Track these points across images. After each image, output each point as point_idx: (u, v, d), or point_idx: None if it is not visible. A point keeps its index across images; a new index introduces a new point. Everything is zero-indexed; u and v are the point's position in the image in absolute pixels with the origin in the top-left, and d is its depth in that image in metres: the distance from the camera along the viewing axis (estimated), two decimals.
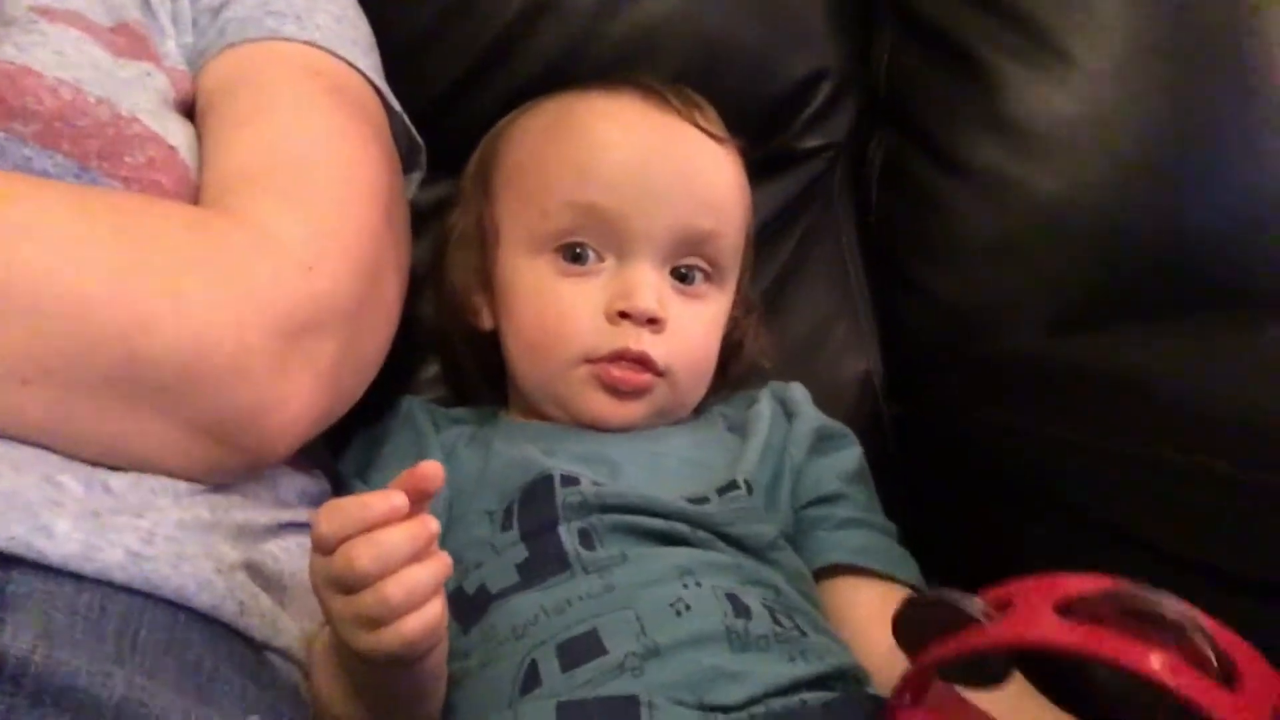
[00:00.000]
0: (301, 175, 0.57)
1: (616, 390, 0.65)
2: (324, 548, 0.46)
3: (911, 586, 0.66)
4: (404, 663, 0.48)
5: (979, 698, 0.51)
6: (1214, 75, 0.83)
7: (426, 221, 0.77)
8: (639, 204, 0.65)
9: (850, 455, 0.71)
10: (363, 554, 0.45)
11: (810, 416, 0.72)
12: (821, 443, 0.71)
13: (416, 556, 0.46)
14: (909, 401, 0.85)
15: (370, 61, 0.68)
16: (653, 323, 0.65)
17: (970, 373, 0.83)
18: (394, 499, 0.45)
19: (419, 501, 0.47)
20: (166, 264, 0.50)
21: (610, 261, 0.66)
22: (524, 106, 0.75)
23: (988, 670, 0.49)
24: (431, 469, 0.47)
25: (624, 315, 0.65)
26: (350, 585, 0.46)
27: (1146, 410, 0.67)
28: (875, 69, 0.89)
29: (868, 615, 0.63)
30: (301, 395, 0.53)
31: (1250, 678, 0.42)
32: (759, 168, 0.85)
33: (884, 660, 0.59)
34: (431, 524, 0.46)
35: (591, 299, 0.65)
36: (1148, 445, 0.64)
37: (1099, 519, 0.66)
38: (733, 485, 0.64)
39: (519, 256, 0.68)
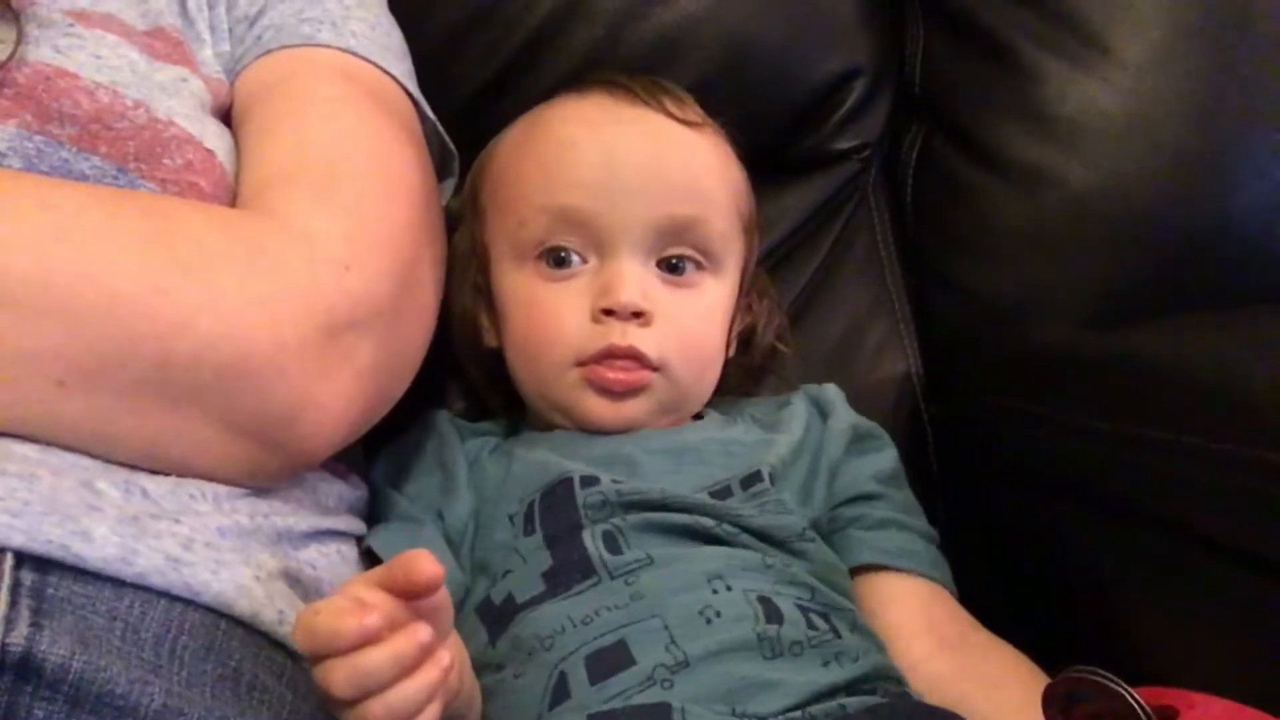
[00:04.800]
0: (337, 175, 0.57)
1: (610, 391, 0.64)
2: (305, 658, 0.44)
3: (943, 585, 0.65)
4: None
5: None
6: (1254, 64, 0.80)
7: (453, 231, 0.77)
8: (611, 200, 0.64)
9: (887, 456, 0.70)
10: (341, 680, 0.42)
11: (845, 415, 0.71)
12: (858, 442, 0.70)
13: (405, 672, 0.43)
14: (948, 400, 0.84)
15: (404, 68, 0.68)
16: (638, 316, 0.64)
17: (1009, 368, 0.81)
18: (367, 620, 0.41)
19: (415, 597, 0.43)
20: (202, 264, 0.49)
21: (593, 261, 0.66)
22: (507, 125, 0.75)
23: None
24: (427, 564, 0.43)
25: (608, 312, 0.64)
26: (334, 704, 0.43)
27: (1191, 401, 0.65)
28: (908, 65, 0.88)
29: (900, 617, 0.63)
30: (340, 394, 0.52)
31: None
32: (793, 169, 0.86)
33: (915, 661, 0.60)
34: (420, 634, 0.43)
35: (576, 301, 0.65)
36: (1194, 436, 0.62)
37: (1145, 512, 0.64)
38: (756, 477, 0.63)
39: (507, 269, 0.68)
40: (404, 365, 0.60)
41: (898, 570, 0.64)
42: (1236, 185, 0.81)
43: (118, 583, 0.44)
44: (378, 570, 0.45)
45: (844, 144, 0.86)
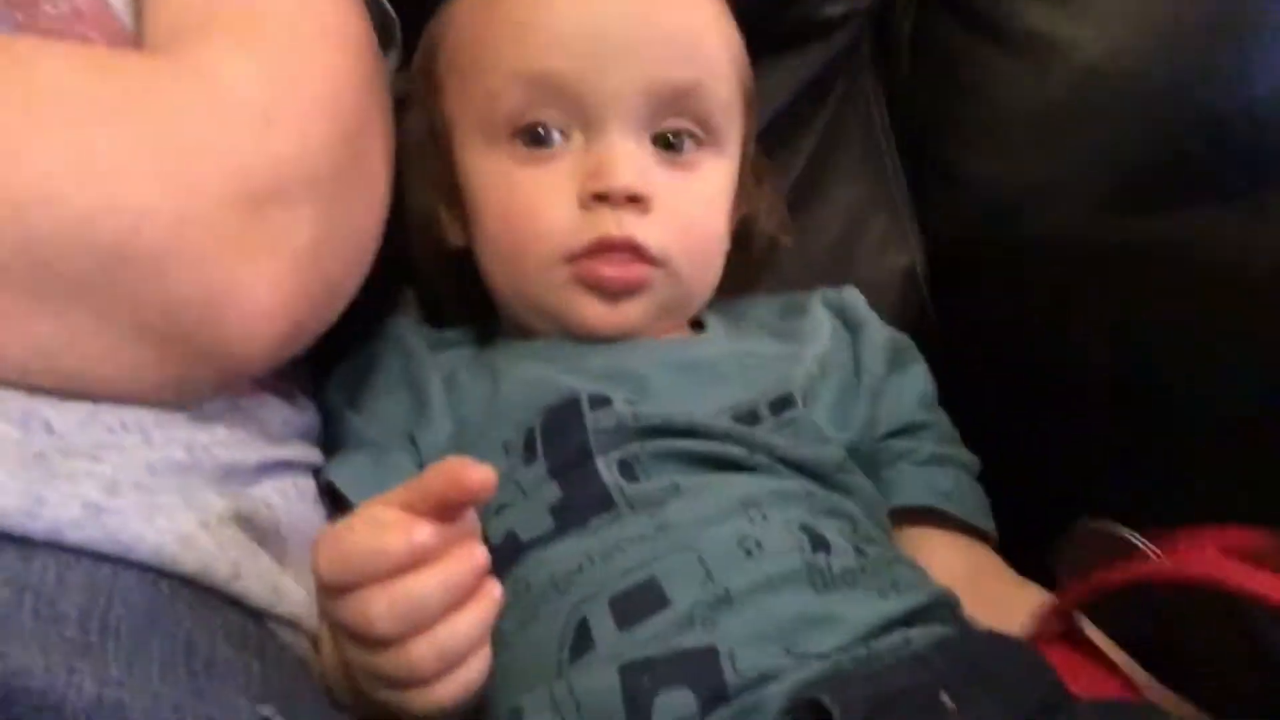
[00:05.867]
0: (258, 14, 0.46)
1: (605, 291, 0.56)
2: (330, 590, 0.37)
3: (986, 536, 0.60)
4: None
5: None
6: None
7: (396, 117, 0.66)
8: (597, 63, 0.55)
9: (923, 374, 0.64)
10: (383, 612, 0.36)
11: (878, 326, 0.64)
12: (896, 358, 0.63)
13: (456, 604, 0.37)
14: (954, 295, 0.77)
15: None
16: (635, 201, 0.55)
17: (1014, 259, 0.75)
18: (416, 536, 0.36)
19: (459, 509, 0.37)
20: (68, 117, 0.39)
21: (578, 139, 0.56)
22: None
23: (1135, 619, 0.46)
24: (481, 474, 0.37)
25: (599, 198, 0.54)
26: (369, 644, 0.37)
27: (1212, 289, 0.60)
28: None
29: (943, 566, 0.56)
30: (272, 279, 0.42)
31: None
32: (777, 42, 0.77)
33: None
34: (477, 556, 0.37)
35: (560, 186, 0.55)
36: (1233, 323, 0.58)
37: (1172, 404, 0.60)
38: (788, 401, 0.56)
39: (476, 152, 0.58)
40: (353, 250, 0.49)
41: (946, 515, 0.59)
42: (1260, 56, 0.75)
43: (23, 542, 0.34)
44: (399, 490, 0.37)
45: (832, 11, 0.78)
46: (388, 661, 0.37)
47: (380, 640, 0.36)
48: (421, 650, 0.36)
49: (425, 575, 0.36)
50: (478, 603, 0.37)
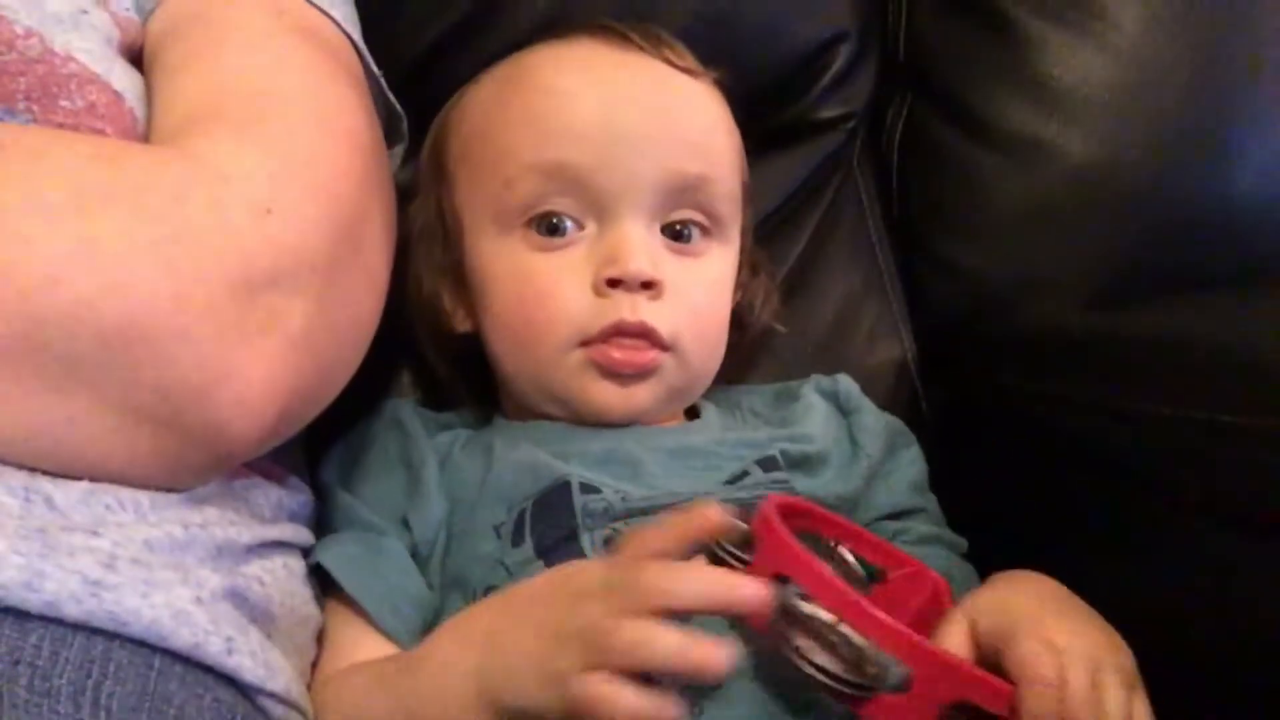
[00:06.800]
0: (261, 107, 0.47)
1: (618, 375, 0.57)
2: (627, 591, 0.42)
3: None
4: None
5: None
6: (1261, 30, 0.76)
7: (403, 206, 0.68)
8: (612, 155, 0.57)
9: (915, 456, 0.65)
10: (666, 648, 0.41)
11: (872, 411, 0.65)
12: (892, 441, 0.64)
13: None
14: (946, 384, 0.78)
15: (345, 12, 0.59)
16: (648, 287, 0.56)
17: (1008, 351, 0.76)
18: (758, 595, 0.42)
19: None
20: (75, 205, 0.40)
21: (591, 227, 0.58)
22: (475, 78, 0.66)
23: None
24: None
25: (614, 283, 0.56)
26: (613, 656, 0.41)
27: (1198, 376, 0.62)
28: (893, 29, 0.82)
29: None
30: (265, 365, 0.43)
31: None
32: (774, 140, 0.79)
33: None
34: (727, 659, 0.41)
35: (575, 272, 0.57)
36: (1200, 410, 0.59)
37: (1149, 486, 0.61)
38: (774, 462, 0.57)
39: (487, 239, 0.59)
40: (348, 339, 0.50)
41: None
42: (1240, 155, 0.77)
43: (21, 615, 0.35)
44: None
45: (828, 113, 0.80)
46: (597, 692, 0.40)
47: (667, 606, 0.41)
48: (626, 701, 0.40)
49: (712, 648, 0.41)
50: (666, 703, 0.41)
